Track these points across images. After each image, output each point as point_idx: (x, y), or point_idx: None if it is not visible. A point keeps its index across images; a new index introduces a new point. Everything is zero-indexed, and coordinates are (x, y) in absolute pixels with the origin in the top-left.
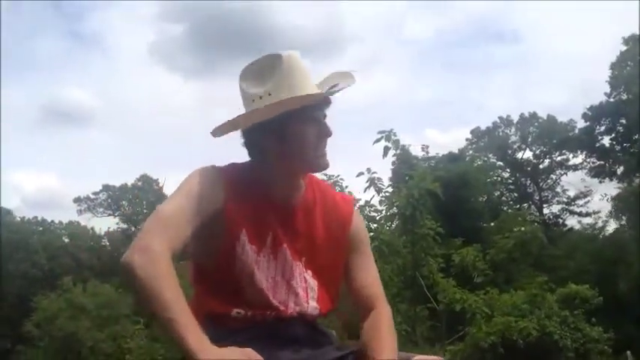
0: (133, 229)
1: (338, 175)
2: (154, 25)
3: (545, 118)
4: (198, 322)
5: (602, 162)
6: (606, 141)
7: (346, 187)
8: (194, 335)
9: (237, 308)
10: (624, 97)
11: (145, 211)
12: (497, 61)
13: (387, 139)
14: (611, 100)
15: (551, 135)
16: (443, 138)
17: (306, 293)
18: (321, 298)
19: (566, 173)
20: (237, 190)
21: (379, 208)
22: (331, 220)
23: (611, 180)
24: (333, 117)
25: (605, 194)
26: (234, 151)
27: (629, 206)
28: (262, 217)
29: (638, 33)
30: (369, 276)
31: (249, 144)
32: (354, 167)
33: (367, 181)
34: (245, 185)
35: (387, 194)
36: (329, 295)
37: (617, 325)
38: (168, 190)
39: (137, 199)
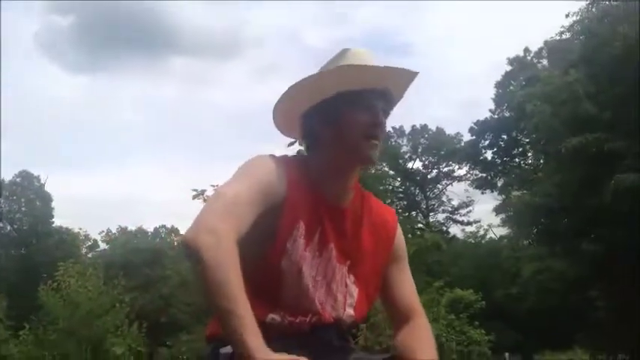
0: (8, 228)
1: None
2: (39, 16)
3: (434, 130)
4: None
5: (484, 174)
6: (489, 154)
7: None
8: (254, 332)
9: (272, 313)
10: (507, 114)
11: (23, 209)
12: None
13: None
14: (495, 116)
15: (440, 146)
16: None
17: (344, 299)
18: (359, 307)
19: (451, 183)
20: (296, 182)
21: None
22: (377, 230)
23: (492, 192)
24: (231, 125)
25: (495, 205)
26: (121, 146)
27: (508, 217)
28: (315, 212)
29: (521, 54)
30: (406, 288)
31: (305, 131)
32: None
33: None
34: (301, 178)
35: None
36: (367, 304)
37: (497, 329)
38: (50, 187)
39: (15, 197)
